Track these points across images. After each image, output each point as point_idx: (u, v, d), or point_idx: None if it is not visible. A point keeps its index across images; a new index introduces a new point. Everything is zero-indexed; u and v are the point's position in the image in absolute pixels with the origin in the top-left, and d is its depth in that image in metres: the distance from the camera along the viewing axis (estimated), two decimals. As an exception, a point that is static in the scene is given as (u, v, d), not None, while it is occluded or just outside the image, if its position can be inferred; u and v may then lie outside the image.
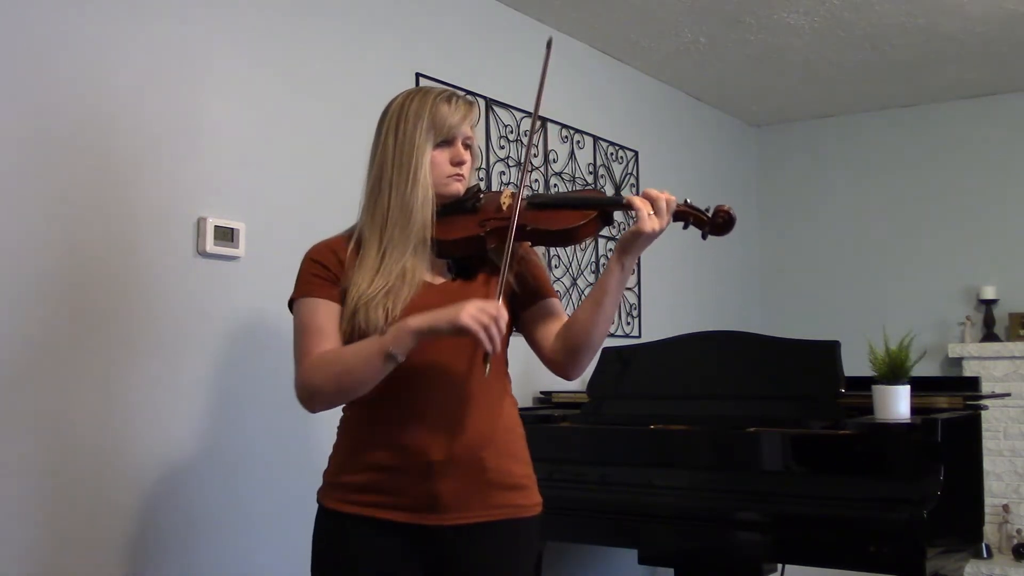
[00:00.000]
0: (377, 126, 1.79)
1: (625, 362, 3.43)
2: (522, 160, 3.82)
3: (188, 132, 2.60)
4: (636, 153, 4.63)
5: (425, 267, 1.74)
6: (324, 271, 1.74)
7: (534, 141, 3.90)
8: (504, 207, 1.75)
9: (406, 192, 1.71)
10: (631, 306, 4.51)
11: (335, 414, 1.81)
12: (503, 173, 3.74)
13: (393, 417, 1.70)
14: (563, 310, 1.86)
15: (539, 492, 1.82)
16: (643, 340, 4.08)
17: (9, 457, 2.18)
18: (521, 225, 1.72)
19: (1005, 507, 4.84)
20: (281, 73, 2.88)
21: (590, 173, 4.30)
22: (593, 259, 4.28)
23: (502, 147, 3.76)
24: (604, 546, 3.92)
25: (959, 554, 2.85)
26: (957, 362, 5.11)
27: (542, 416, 3.42)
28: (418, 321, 1.61)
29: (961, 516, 2.90)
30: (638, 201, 1.67)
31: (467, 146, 1.79)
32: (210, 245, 2.61)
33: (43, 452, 2.25)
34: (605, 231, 4.08)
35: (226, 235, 2.65)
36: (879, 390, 2.83)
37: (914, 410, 2.84)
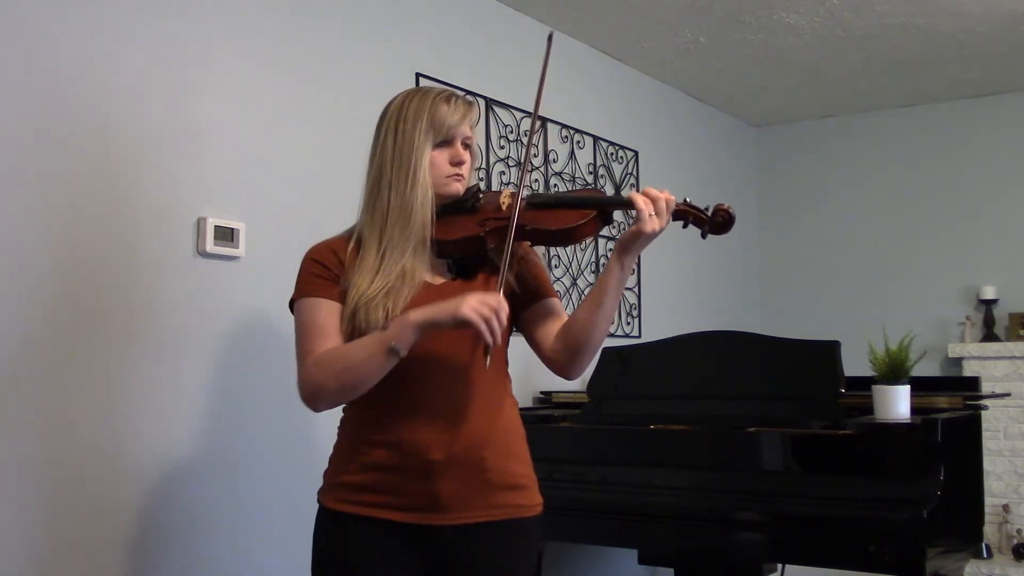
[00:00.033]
0: (376, 126, 1.79)
1: (625, 362, 3.43)
2: (522, 160, 3.82)
3: (188, 132, 2.60)
4: (636, 153, 4.63)
5: (425, 267, 1.74)
6: (325, 271, 1.74)
7: (534, 141, 3.90)
8: (504, 207, 1.75)
9: (405, 192, 1.71)
10: (631, 306, 4.51)
11: (335, 414, 1.81)
12: (503, 173, 3.74)
13: (393, 417, 1.70)
14: (563, 310, 1.87)
15: (539, 492, 1.82)
16: (643, 340, 4.08)
17: (9, 457, 2.18)
18: (521, 225, 1.72)
19: (1005, 507, 4.84)
20: (281, 73, 2.88)
21: (590, 173, 4.30)
22: (593, 259, 4.28)
23: (502, 147, 3.76)
24: (604, 546, 3.92)
25: (959, 554, 2.85)
26: (957, 362, 5.11)
27: (542, 416, 3.42)
28: (420, 314, 1.61)
29: (961, 516, 2.90)
30: (640, 201, 1.67)
31: (466, 146, 1.79)
32: (210, 245, 2.61)
33: (43, 452, 2.25)
34: (605, 231, 4.08)
35: (226, 235, 2.65)
36: (879, 390, 2.83)
37: (914, 410, 2.84)
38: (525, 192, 1.75)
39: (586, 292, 4.08)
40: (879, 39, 4.35)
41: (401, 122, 1.74)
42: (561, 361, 1.80)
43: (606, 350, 3.45)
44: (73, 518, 2.29)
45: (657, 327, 4.50)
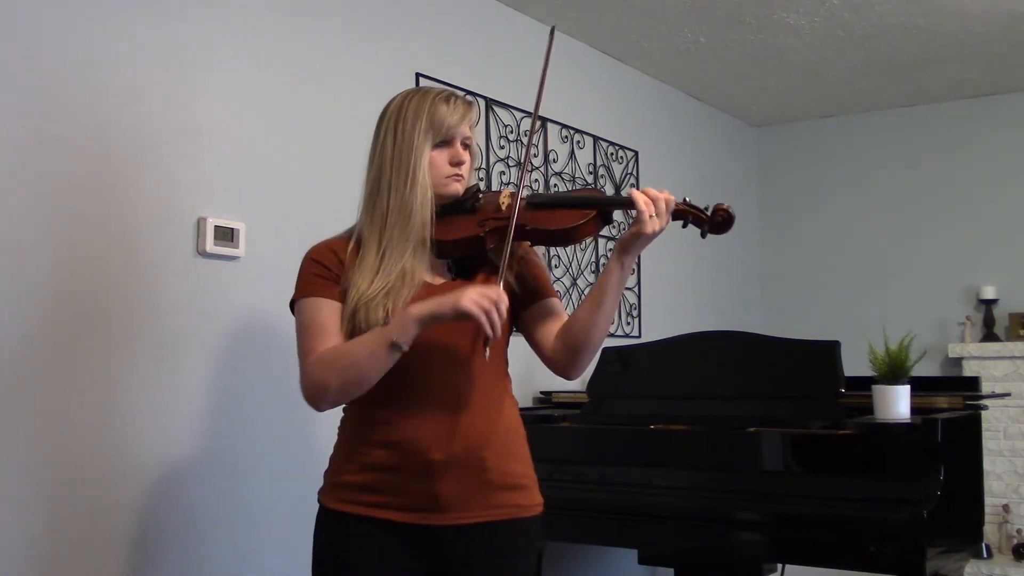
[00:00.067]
0: (376, 126, 1.79)
1: (625, 362, 3.43)
2: (522, 160, 3.82)
3: (188, 132, 2.60)
4: (636, 153, 4.63)
5: (425, 268, 1.74)
6: (325, 271, 1.74)
7: (534, 141, 3.90)
8: (503, 207, 1.75)
9: (405, 192, 1.71)
10: (631, 306, 4.51)
11: (335, 414, 1.81)
12: (503, 173, 3.74)
13: (393, 417, 1.70)
14: (563, 310, 1.87)
15: (540, 492, 1.82)
16: (643, 340, 4.08)
17: (9, 457, 2.18)
18: (520, 225, 1.72)
19: (1005, 507, 4.84)
20: (281, 73, 2.88)
21: (590, 173, 4.30)
22: (593, 259, 4.28)
23: (502, 147, 3.76)
24: (604, 546, 3.92)
25: (959, 554, 2.85)
26: (957, 362, 5.11)
27: (542, 416, 3.42)
28: (420, 308, 1.62)
29: (961, 516, 2.90)
30: (640, 202, 1.67)
31: (466, 146, 1.79)
32: (210, 245, 2.61)
33: (43, 452, 2.25)
34: (605, 231, 4.08)
35: (226, 235, 2.65)
36: (879, 390, 2.83)
37: (914, 410, 2.84)
38: (525, 192, 1.75)
39: (586, 292, 4.08)
40: (879, 39, 4.35)
41: (400, 122, 1.74)
42: (561, 361, 1.80)
43: (606, 350, 3.45)
44: (73, 518, 2.29)
45: (657, 327, 4.50)
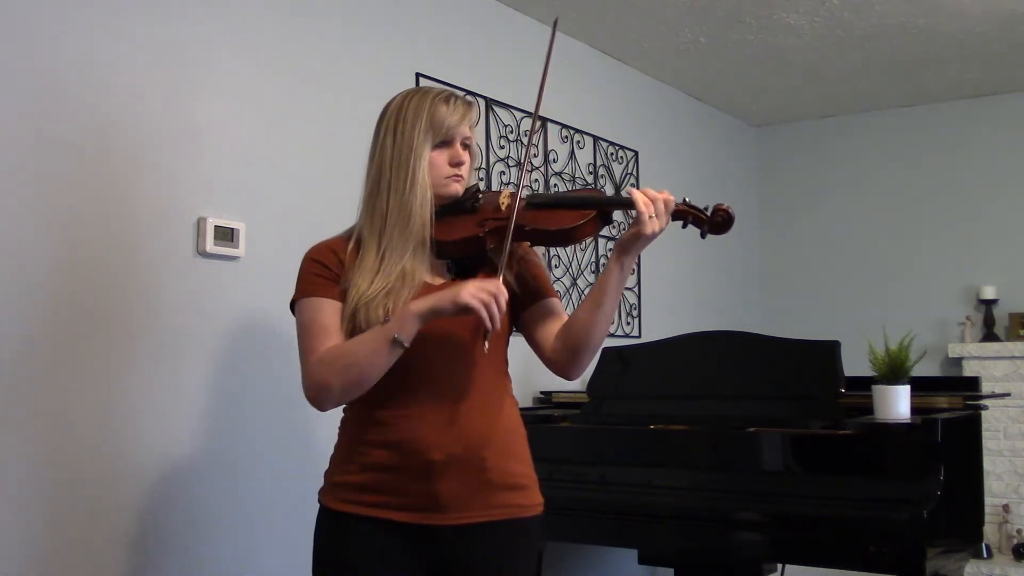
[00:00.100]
0: (376, 126, 1.79)
1: (625, 362, 3.43)
2: (522, 160, 3.82)
3: (188, 132, 2.60)
4: (636, 153, 4.63)
5: (425, 268, 1.74)
6: (325, 271, 1.74)
7: (534, 141, 3.90)
8: (503, 207, 1.75)
9: (404, 193, 1.71)
10: (631, 306, 4.51)
11: (335, 414, 1.81)
12: (503, 173, 3.74)
13: (393, 417, 1.71)
14: (563, 310, 1.87)
15: (540, 492, 1.82)
16: (643, 340, 4.08)
17: (9, 457, 2.18)
18: (520, 225, 1.72)
19: (1005, 507, 4.84)
20: (281, 73, 2.88)
21: (590, 173, 4.30)
22: (593, 259, 4.28)
23: (502, 147, 3.76)
24: (604, 546, 3.92)
25: (959, 554, 2.85)
26: (957, 362, 5.11)
27: (542, 416, 3.42)
28: (420, 304, 1.62)
29: (961, 516, 2.90)
30: (640, 202, 1.67)
31: (466, 146, 1.79)
32: (210, 245, 2.61)
33: (43, 452, 2.25)
34: (605, 231, 4.08)
35: (226, 235, 2.65)
36: (879, 390, 2.83)
37: (914, 410, 2.84)
38: (525, 192, 1.75)
39: (586, 292, 4.08)
40: (879, 39, 4.35)
41: (400, 122, 1.74)
42: (561, 361, 1.80)
43: (606, 350, 3.45)
44: (73, 518, 2.29)
45: (657, 327, 4.50)
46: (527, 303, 1.83)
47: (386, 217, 1.72)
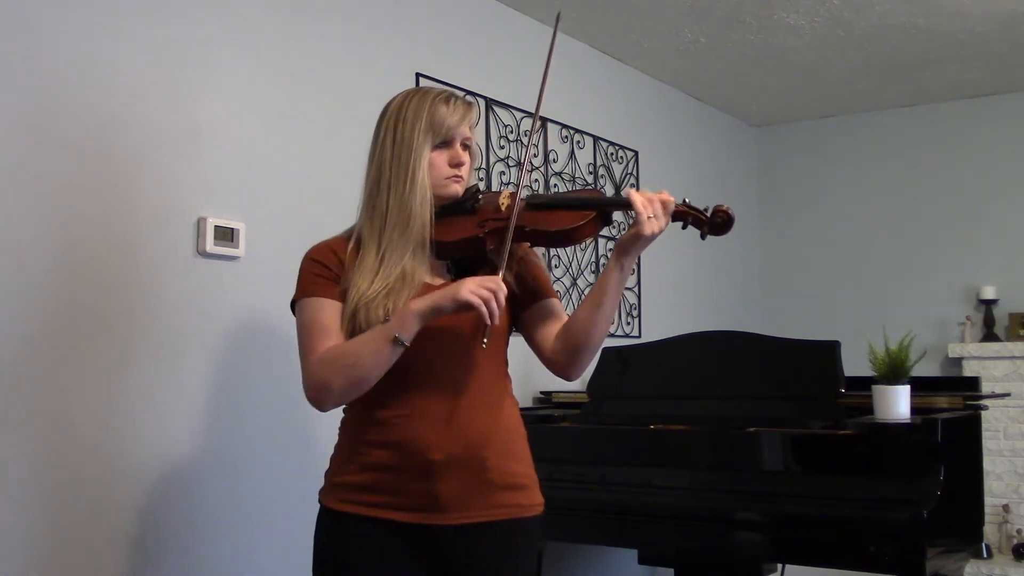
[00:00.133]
0: (376, 126, 1.79)
1: (625, 362, 3.43)
2: (522, 160, 3.82)
3: (188, 132, 2.60)
4: (636, 153, 4.63)
5: (425, 268, 1.74)
6: (325, 271, 1.74)
7: (534, 141, 3.90)
8: (503, 208, 1.75)
9: (404, 193, 1.71)
10: (631, 306, 4.51)
11: (335, 414, 1.81)
12: (503, 173, 3.74)
13: (393, 417, 1.71)
14: (563, 310, 1.87)
15: (540, 492, 1.82)
16: (643, 340, 4.08)
17: (9, 457, 2.18)
18: (520, 226, 1.72)
19: (1005, 507, 4.84)
20: (281, 73, 2.88)
21: (590, 173, 4.30)
22: (593, 259, 4.28)
23: (502, 147, 3.76)
24: (604, 546, 3.92)
25: (959, 554, 2.85)
26: (957, 362, 5.11)
27: (542, 416, 3.42)
28: (421, 303, 1.63)
29: (961, 516, 2.90)
30: (639, 203, 1.67)
31: (466, 147, 1.79)
32: (210, 245, 2.61)
33: (43, 452, 2.25)
34: (605, 231, 4.08)
35: (226, 235, 2.65)
36: (879, 390, 2.83)
37: (914, 410, 2.85)
38: (524, 192, 1.75)
39: (586, 292, 4.08)
40: (879, 39, 4.35)
41: (400, 123, 1.74)
42: (561, 361, 1.80)
43: (606, 350, 3.45)
44: (73, 518, 2.29)
45: (657, 327, 4.50)
46: (527, 303, 1.83)
47: (386, 217, 1.72)
